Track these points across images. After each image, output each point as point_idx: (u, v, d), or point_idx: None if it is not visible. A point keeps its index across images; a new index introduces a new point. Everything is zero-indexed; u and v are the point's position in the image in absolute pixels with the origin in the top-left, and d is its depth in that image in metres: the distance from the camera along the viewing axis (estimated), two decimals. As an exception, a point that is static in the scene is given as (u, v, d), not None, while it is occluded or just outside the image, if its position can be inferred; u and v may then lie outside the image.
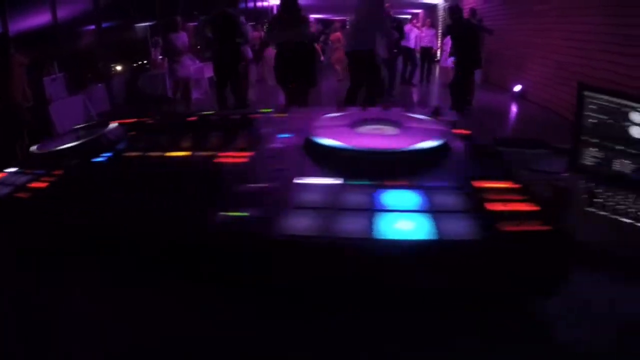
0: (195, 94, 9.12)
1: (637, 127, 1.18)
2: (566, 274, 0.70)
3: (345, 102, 6.40)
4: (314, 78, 6.23)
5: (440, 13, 22.64)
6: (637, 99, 1.20)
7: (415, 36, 11.82)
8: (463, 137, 1.18)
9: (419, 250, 0.70)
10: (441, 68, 14.02)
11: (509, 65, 11.00)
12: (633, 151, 1.17)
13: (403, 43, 10.74)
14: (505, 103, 9.97)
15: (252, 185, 0.93)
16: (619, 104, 1.21)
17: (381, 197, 0.82)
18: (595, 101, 1.24)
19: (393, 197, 0.82)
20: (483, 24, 9.34)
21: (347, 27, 6.92)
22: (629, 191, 1.11)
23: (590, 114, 1.24)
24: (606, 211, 1.02)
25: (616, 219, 0.99)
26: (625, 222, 0.99)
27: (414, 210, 0.78)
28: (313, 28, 10.39)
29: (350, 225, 0.74)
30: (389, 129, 1.16)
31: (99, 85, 8.95)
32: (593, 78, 7.09)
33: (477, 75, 8.75)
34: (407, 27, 11.83)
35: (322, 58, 11.88)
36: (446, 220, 0.74)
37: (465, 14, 9.00)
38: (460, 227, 0.73)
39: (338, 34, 12.81)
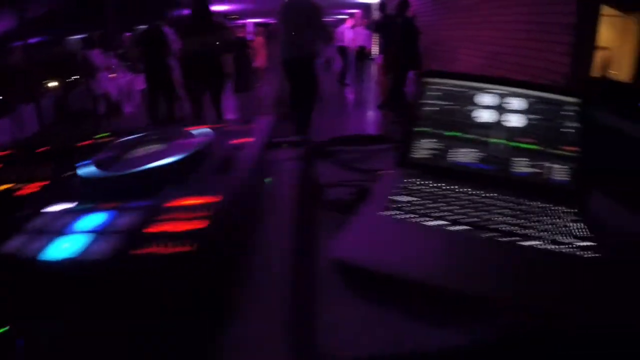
0: (127, 108, 8.84)
1: (481, 110, 1.11)
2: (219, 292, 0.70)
3: (291, 108, 6.43)
4: (221, 87, 6.26)
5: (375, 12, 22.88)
6: (482, 78, 1.14)
7: (350, 36, 11.88)
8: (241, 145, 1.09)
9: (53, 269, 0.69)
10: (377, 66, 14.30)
11: (443, 60, 11.25)
12: (474, 137, 1.09)
13: (338, 43, 10.84)
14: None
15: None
16: (464, 86, 1.13)
17: (72, 220, 0.79)
18: (438, 87, 1.15)
19: (84, 220, 0.79)
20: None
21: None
22: (462, 183, 1.02)
23: (433, 101, 1.14)
24: (407, 213, 0.90)
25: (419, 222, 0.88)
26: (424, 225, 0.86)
27: (80, 231, 0.76)
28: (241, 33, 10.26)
29: (31, 247, 0.72)
30: (155, 148, 1.08)
31: (29, 105, 8.54)
32: (525, 66, 7.33)
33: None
34: (340, 28, 11.96)
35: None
36: (95, 242, 0.72)
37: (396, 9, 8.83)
38: (97, 249, 0.70)
39: (260, 38, 12.29)
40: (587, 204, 0.98)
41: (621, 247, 0.85)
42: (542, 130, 1.07)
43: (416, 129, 1.14)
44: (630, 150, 3.85)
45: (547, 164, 1.04)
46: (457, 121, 1.12)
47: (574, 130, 1.05)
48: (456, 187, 1.01)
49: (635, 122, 4.28)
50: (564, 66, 6.48)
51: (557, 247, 0.82)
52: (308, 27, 5.96)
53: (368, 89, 11.95)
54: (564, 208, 0.95)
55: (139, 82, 10.07)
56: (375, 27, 8.09)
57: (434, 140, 1.11)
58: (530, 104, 1.09)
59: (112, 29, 12.62)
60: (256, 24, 40.15)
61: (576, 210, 0.94)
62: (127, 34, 9.92)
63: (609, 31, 6.22)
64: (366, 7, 25.71)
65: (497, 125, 1.09)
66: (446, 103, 1.13)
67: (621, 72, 5.94)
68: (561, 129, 1.06)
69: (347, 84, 11.88)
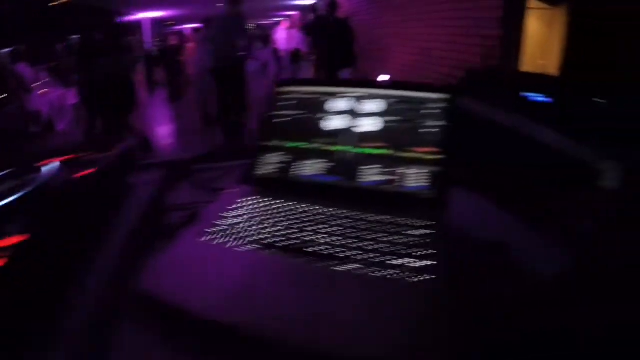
0: (60, 125, 8.43)
1: (331, 117, 1.03)
2: None
3: (218, 117, 6.45)
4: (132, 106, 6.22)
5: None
6: (339, 83, 1.07)
7: (284, 38, 11.82)
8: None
9: None
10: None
11: (379, 59, 11.42)
12: (319, 146, 1.00)
13: (272, 46, 10.81)
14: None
15: None
16: (317, 93, 1.05)
17: None
18: (292, 96, 1.07)
19: None
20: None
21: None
22: (304, 199, 0.93)
23: (285, 112, 1.06)
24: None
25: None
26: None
27: None
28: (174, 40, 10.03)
29: None
30: None
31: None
32: (459, 61, 7.53)
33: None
34: (275, 30, 11.95)
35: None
36: None
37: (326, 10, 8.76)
38: None
39: (192, 44, 11.75)
40: (444, 211, 0.89)
41: (465, 264, 0.77)
42: (398, 133, 0.98)
43: (265, 142, 1.06)
44: (501, 142, 4.01)
45: (400, 170, 0.95)
46: (305, 131, 1.04)
47: (436, 130, 0.96)
48: (295, 203, 0.92)
49: (509, 113, 4.47)
50: (491, 60, 6.70)
51: (380, 270, 0.72)
52: (235, 36, 6.16)
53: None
54: (414, 220, 0.85)
55: (71, 97, 9.75)
56: (307, 29, 8.00)
57: (281, 153, 1.03)
58: (388, 106, 1.00)
59: (41, 41, 12.10)
60: (194, 30, 39.50)
61: (428, 222, 0.84)
62: (60, 45, 9.50)
63: (537, 23, 6.48)
64: (305, 9, 25.85)
65: (345, 132, 1.01)
66: (298, 112, 1.05)
67: (551, 62, 6.18)
68: (421, 130, 0.96)
69: None
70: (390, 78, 10.64)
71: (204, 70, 6.88)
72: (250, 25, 47.85)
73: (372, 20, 11.72)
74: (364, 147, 0.98)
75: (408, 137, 0.97)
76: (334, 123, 1.02)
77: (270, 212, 0.90)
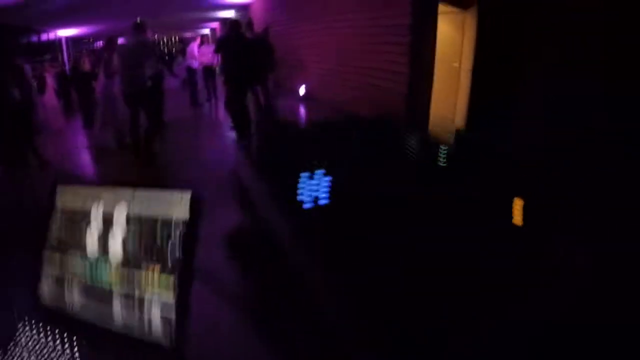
0: None
1: (94, 232, 0.90)
2: None
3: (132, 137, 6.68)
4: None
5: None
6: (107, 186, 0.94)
7: (196, 54, 11.48)
8: None
9: None
10: None
11: (295, 68, 11.38)
12: (89, 274, 0.85)
13: (186, 63, 10.54)
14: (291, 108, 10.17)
15: None
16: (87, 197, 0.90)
17: None
18: (68, 198, 0.93)
19: None
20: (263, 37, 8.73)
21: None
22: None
23: (60, 218, 0.91)
24: None
25: None
26: None
27: None
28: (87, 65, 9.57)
29: None
30: None
31: None
32: (370, 69, 7.58)
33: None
34: (189, 46, 11.70)
35: None
36: None
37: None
38: None
39: None
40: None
41: None
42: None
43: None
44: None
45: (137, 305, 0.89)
46: (75, 248, 0.94)
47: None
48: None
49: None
50: (402, 66, 6.77)
51: None
52: (143, 62, 6.19)
53: (219, 107, 11.30)
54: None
55: None
56: (216, 46, 7.76)
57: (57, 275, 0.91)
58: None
59: None
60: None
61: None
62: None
63: (448, 27, 6.59)
64: (223, 22, 25.56)
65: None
66: (69, 222, 0.92)
67: (465, 63, 6.29)
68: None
69: (199, 104, 11.52)
70: (307, 88, 10.76)
71: (113, 95, 6.87)
72: (172, 39, 46.54)
73: (288, 30, 11.73)
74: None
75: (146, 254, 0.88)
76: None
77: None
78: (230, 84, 7.19)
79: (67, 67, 21.09)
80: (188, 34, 40.98)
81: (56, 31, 20.27)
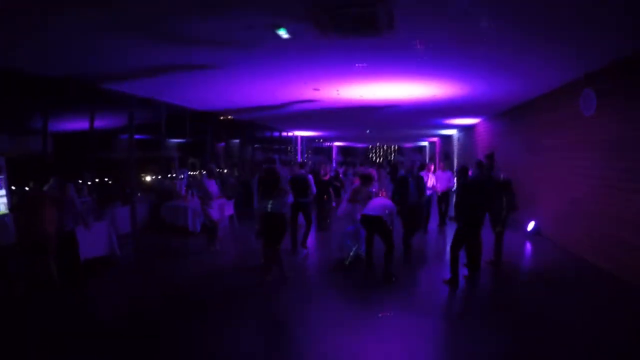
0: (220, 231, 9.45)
1: None
2: None
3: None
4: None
5: (455, 144, 23.16)
6: None
7: (432, 180, 11.28)
8: None
9: None
10: None
11: (524, 202, 10.54)
12: None
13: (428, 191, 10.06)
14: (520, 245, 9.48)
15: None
16: None
17: None
18: None
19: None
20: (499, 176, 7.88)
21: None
22: None
23: None
24: None
25: None
26: None
27: None
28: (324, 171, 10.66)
29: None
30: None
31: (125, 207, 9.51)
32: (613, 218, 7.10)
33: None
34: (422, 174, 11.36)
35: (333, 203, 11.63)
36: None
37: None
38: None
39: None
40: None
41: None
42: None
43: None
44: None
45: None
46: None
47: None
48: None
49: None
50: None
51: None
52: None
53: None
54: None
55: (229, 208, 10.98)
56: (469, 184, 6.95)
57: None
58: None
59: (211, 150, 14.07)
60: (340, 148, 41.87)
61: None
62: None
63: None
64: (444, 138, 26.28)
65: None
66: None
67: None
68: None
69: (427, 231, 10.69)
70: (538, 225, 10.26)
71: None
72: (392, 148, 48.57)
73: (512, 158, 11.65)
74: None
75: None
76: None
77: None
78: (470, 222, 6.64)
79: (299, 159, 24.03)
80: (408, 144, 43.30)
81: (293, 131, 23.40)
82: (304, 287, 6.57)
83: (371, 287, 6.52)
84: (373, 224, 6.90)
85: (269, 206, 6.35)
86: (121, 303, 5.85)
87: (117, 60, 6.74)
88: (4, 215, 6.63)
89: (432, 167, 11.58)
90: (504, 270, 7.34)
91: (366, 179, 7.77)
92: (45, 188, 6.33)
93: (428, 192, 9.83)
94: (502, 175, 7.60)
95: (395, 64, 7.07)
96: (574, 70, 7.73)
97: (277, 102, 11.17)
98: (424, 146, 39.76)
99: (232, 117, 14.87)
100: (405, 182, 7.95)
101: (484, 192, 6.81)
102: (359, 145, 43.30)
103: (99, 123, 9.18)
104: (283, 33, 5.04)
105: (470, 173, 7.55)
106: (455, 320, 5.42)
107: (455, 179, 9.46)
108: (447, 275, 6.62)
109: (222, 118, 14.55)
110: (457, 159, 20.83)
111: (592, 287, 6.53)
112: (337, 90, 9.45)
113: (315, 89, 9.22)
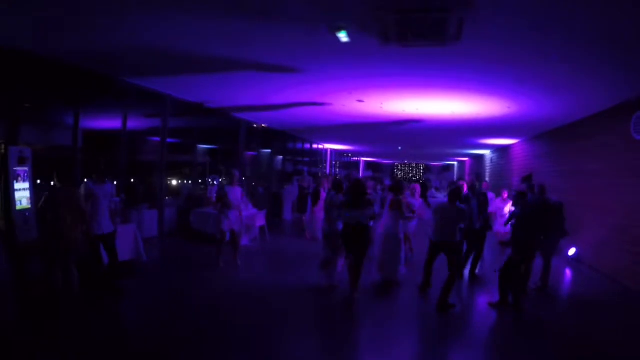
0: (244, 241, 9.07)
1: None
2: None
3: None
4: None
5: (488, 165, 22.70)
6: None
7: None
8: None
9: None
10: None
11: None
12: None
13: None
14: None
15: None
16: None
17: None
18: None
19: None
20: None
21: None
22: None
23: None
24: None
25: None
26: None
27: None
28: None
29: None
30: None
31: (151, 211, 9.34)
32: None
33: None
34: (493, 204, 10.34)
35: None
36: None
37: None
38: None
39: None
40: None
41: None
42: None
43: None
44: None
45: None
46: None
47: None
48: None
49: None
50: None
51: None
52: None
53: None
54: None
55: (260, 219, 10.72)
56: (527, 207, 6.40)
57: None
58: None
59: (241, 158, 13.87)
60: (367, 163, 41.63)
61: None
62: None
63: None
64: (477, 158, 25.77)
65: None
66: None
67: None
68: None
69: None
70: (578, 252, 9.82)
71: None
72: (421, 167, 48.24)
73: (551, 181, 11.21)
74: None
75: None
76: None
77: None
78: (519, 251, 6.23)
79: (327, 171, 23.76)
80: (435, 163, 42.93)
81: (324, 144, 23.21)
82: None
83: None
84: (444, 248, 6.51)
85: (355, 218, 6.28)
86: (134, 322, 5.43)
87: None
88: (25, 210, 6.00)
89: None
90: (549, 295, 7.08)
91: (397, 189, 7.49)
92: (81, 186, 6.05)
93: None
94: (553, 199, 7.24)
95: (450, 77, 6.80)
96: (625, 93, 7.42)
97: (315, 112, 10.85)
98: (452, 165, 39.31)
99: (265, 126, 14.70)
100: (468, 202, 7.45)
101: (545, 217, 6.48)
102: (386, 161, 43.06)
103: (130, 124, 8.93)
104: (343, 36, 4.67)
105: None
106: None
107: (512, 202, 8.96)
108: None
109: (255, 126, 14.38)
110: (490, 179, 20.36)
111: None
112: (381, 104, 9.18)
113: (360, 101, 8.92)
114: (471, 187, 7.95)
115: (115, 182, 8.08)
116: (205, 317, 5.48)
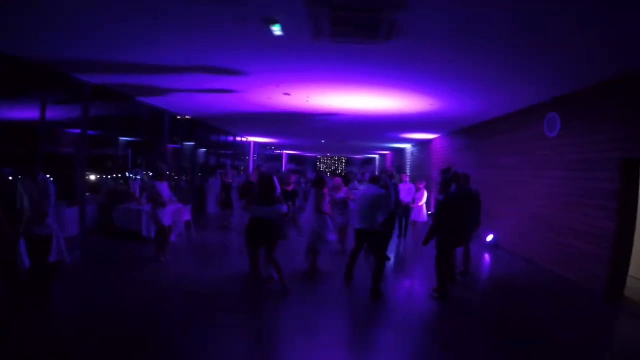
0: (172, 237, 8.75)
1: None
2: None
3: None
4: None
5: (409, 158, 23.48)
6: None
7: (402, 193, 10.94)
8: None
9: None
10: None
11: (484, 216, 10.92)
12: None
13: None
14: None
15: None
16: None
17: None
18: None
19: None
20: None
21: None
22: None
23: None
24: None
25: None
26: None
27: None
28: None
29: None
30: None
31: (71, 209, 8.80)
32: (569, 229, 7.37)
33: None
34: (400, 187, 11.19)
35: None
36: None
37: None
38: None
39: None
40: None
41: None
42: None
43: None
44: None
45: None
46: None
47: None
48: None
49: None
50: (607, 230, 6.60)
51: None
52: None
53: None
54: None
55: (186, 214, 10.46)
56: (451, 197, 6.91)
57: None
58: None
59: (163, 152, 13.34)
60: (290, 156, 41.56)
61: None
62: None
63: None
64: (395, 151, 26.53)
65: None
66: None
67: None
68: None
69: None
70: (496, 237, 10.63)
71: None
72: (341, 160, 48.95)
73: (473, 174, 11.77)
74: None
75: None
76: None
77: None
78: (449, 238, 6.51)
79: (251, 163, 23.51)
80: (357, 156, 43.73)
81: (248, 137, 22.89)
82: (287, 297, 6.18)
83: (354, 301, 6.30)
84: (367, 236, 6.74)
85: (263, 212, 6.26)
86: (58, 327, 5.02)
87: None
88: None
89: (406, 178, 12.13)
90: (474, 279, 7.79)
91: (319, 184, 7.62)
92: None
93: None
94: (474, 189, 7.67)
95: (376, 74, 6.97)
96: (542, 94, 8.09)
97: (240, 103, 10.59)
98: (374, 158, 40.17)
99: (189, 117, 14.26)
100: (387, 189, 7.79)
101: (471, 205, 6.90)
102: (309, 154, 43.31)
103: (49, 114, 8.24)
104: (277, 29, 4.62)
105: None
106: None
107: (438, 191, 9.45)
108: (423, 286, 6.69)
109: (179, 117, 13.92)
110: (410, 172, 21.12)
111: (557, 292, 7.23)
112: (308, 98, 9.23)
113: (286, 94, 8.92)
114: (390, 177, 8.46)
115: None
116: (135, 318, 5.22)
